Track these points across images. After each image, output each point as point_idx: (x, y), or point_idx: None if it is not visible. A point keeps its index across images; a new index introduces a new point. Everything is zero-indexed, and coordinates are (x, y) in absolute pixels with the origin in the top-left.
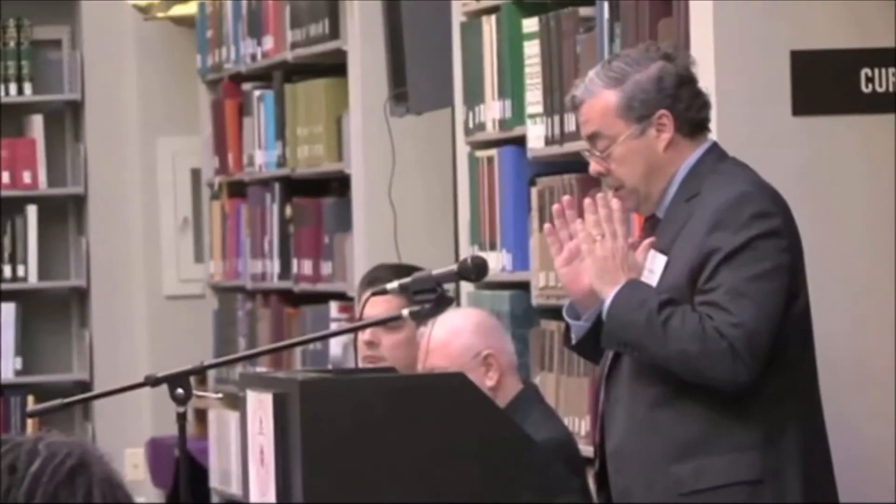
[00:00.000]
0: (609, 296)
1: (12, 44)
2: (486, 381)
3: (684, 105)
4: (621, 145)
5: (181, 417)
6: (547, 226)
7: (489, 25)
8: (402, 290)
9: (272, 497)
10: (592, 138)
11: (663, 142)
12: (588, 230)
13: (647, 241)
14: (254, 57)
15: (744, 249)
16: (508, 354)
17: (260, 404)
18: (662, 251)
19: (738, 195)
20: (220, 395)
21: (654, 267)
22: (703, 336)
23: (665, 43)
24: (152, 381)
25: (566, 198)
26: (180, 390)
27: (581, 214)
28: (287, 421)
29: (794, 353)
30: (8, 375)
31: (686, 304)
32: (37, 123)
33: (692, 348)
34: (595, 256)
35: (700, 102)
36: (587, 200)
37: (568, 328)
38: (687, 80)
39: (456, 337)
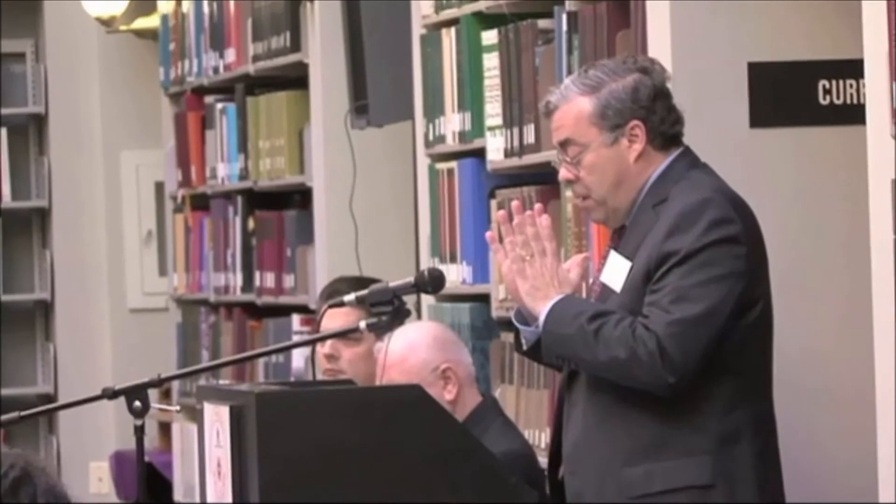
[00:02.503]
0: (542, 313)
1: None
2: (445, 395)
3: (658, 118)
4: (592, 152)
5: (139, 430)
6: (489, 234)
7: (449, 38)
8: (360, 302)
9: None
10: (564, 144)
11: (634, 152)
12: (517, 251)
13: (580, 257)
14: (216, 70)
15: (697, 254)
16: (466, 367)
17: (217, 416)
18: (628, 257)
19: (699, 201)
20: (178, 408)
21: (618, 272)
22: (632, 340)
23: (642, 56)
24: (110, 394)
25: (515, 203)
26: (138, 403)
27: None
28: (244, 433)
29: (750, 361)
30: None
31: (638, 308)
32: (0, 136)
33: (621, 354)
34: (525, 276)
35: (674, 117)
36: (516, 220)
37: (518, 333)
38: (662, 94)
39: (413, 352)
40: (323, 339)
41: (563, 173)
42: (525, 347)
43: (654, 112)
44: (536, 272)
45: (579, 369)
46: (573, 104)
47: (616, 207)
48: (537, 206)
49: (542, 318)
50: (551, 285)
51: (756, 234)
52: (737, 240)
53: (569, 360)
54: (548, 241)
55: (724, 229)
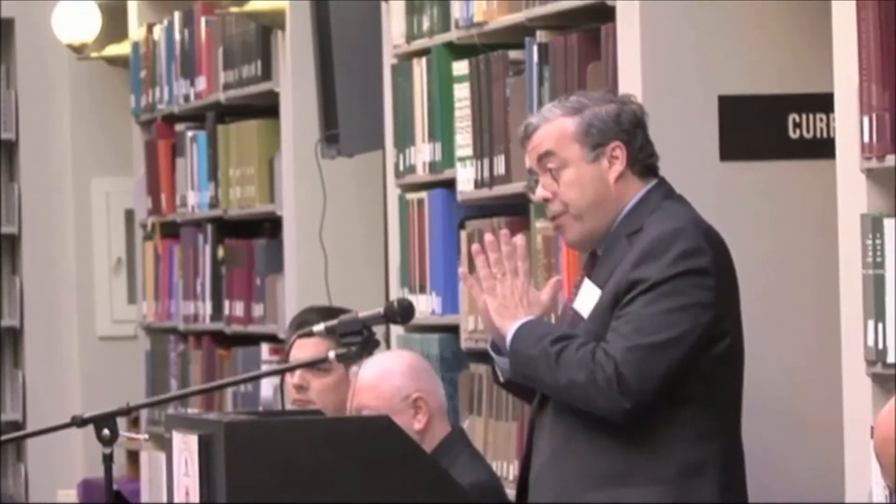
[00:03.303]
0: (509, 332)
1: None
2: (415, 424)
3: (639, 144)
4: (573, 168)
5: (108, 458)
6: (461, 270)
7: (419, 68)
8: (329, 332)
9: None
10: (544, 158)
11: (615, 173)
12: (488, 270)
13: (553, 280)
14: (187, 98)
15: (664, 283)
16: (438, 398)
17: (185, 445)
18: (600, 286)
19: (671, 230)
20: (146, 437)
21: (589, 300)
22: (592, 365)
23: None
24: (78, 422)
25: (488, 237)
26: (106, 431)
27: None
28: (212, 462)
29: (717, 392)
30: None
31: (604, 334)
32: None
33: (579, 377)
34: (494, 294)
35: (650, 149)
36: (489, 238)
37: (494, 365)
38: (642, 125)
39: (386, 378)
40: (293, 368)
41: (540, 191)
42: (502, 379)
43: (635, 137)
44: (506, 290)
45: (543, 392)
46: (555, 123)
47: (592, 228)
48: (487, 236)
49: (508, 337)
50: (520, 305)
51: (727, 267)
52: (706, 271)
53: (531, 380)
54: (520, 260)
55: (694, 260)
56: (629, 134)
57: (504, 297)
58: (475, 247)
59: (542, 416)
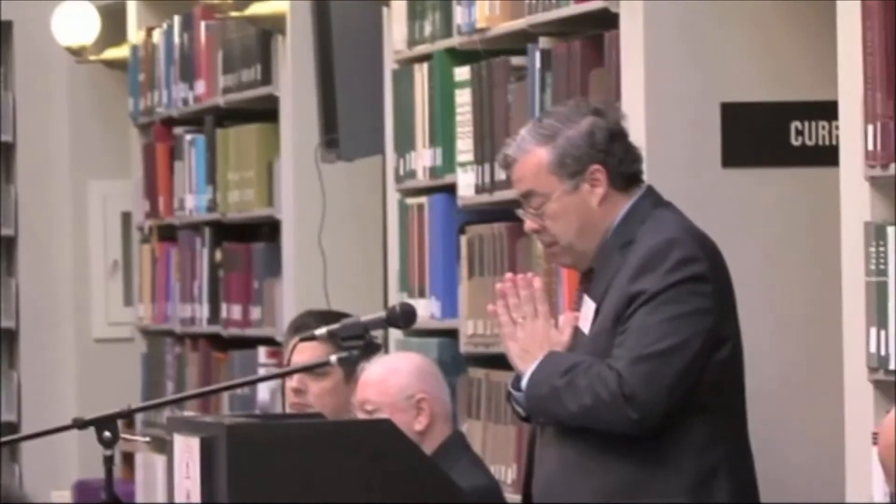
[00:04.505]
0: (526, 376)
1: None
2: (416, 425)
3: (617, 159)
4: (555, 202)
5: (108, 461)
6: (490, 307)
7: (421, 73)
8: (331, 336)
9: None
10: (527, 196)
11: (597, 196)
12: (508, 316)
13: (569, 317)
14: (185, 101)
15: (663, 293)
16: (442, 403)
17: (187, 448)
18: (595, 300)
19: (665, 241)
20: (147, 439)
21: (587, 315)
22: (597, 386)
23: (595, 98)
24: (80, 424)
25: (511, 277)
26: (108, 433)
27: (512, 269)
28: (214, 465)
29: (723, 398)
30: None
31: (610, 351)
32: None
33: (588, 401)
34: (515, 339)
35: (632, 156)
36: (507, 285)
37: (513, 402)
38: (618, 135)
39: (393, 375)
40: (295, 371)
41: (529, 224)
42: (524, 414)
43: (612, 154)
44: (527, 335)
45: (561, 425)
46: (531, 156)
47: (583, 252)
48: (529, 274)
49: (524, 383)
50: (541, 348)
51: (723, 272)
52: (703, 278)
53: (548, 418)
54: (540, 303)
55: (690, 268)
56: (606, 153)
57: (525, 340)
58: (499, 286)
59: (547, 430)
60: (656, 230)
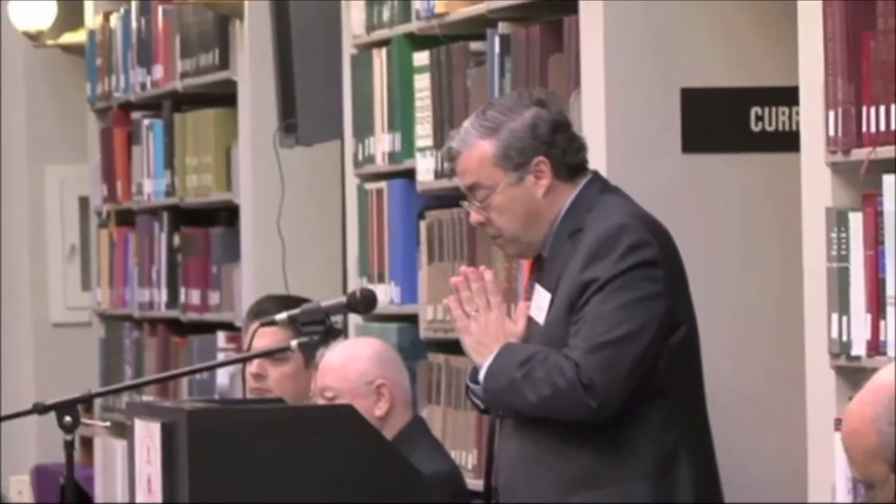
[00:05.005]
0: (483, 369)
1: None
2: (376, 411)
3: (560, 150)
4: (500, 194)
5: (69, 445)
6: (446, 301)
7: (380, 58)
8: (291, 321)
9: None
10: (472, 189)
11: (542, 188)
12: (461, 310)
13: (522, 306)
14: (143, 86)
15: (616, 279)
16: (402, 388)
17: (148, 433)
18: (549, 290)
19: (615, 227)
20: (107, 424)
21: (541, 305)
22: (555, 376)
23: (537, 88)
24: (40, 409)
25: (464, 270)
26: (68, 418)
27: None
28: (175, 450)
29: (680, 382)
30: None
31: (565, 340)
32: None
33: (546, 391)
34: (470, 332)
35: (576, 146)
36: (459, 278)
37: (471, 394)
38: (562, 126)
39: (353, 361)
40: (255, 356)
41: (474, 217)
42: (482, 407)
43: (556, 145)
44: (481, 327)
45: (520, 415)
46: (475, 149)
47: (529, 242)
48: (482, 267)
49: (481, 376)
50: (496, 340)
51: (674, 256)
52: (655, 263)
53: (507, 410)
54: (491, 294)
55: (641, 253)
56: (549, 144)
57: (480, 333)
58: (453, 280)
59: (506, 422)
60: (605, 217)
